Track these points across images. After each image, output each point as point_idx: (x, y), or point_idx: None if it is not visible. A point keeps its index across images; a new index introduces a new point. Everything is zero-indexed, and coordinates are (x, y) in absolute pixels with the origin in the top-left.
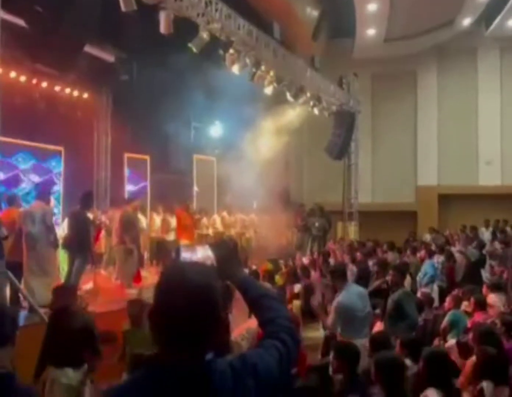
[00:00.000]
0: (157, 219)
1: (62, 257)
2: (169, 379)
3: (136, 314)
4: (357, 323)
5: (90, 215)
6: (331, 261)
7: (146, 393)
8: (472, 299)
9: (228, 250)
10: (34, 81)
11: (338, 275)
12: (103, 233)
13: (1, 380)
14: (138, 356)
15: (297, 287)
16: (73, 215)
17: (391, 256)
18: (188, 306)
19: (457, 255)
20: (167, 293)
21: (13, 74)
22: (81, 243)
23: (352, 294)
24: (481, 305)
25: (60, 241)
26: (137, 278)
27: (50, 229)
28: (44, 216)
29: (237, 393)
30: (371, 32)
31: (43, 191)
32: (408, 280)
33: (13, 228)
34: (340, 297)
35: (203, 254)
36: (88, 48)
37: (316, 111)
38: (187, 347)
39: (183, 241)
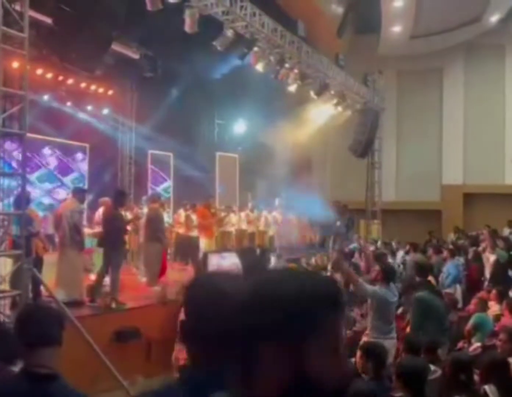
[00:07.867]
0: (183, 215)
1: (96, 255)
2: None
3: None
4: (389, 315)
5: (123, 213)
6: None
7: None
8: (504, 303)
9: (255, 257)
10: (61, 78)
11: (387, 274)
12: (129, 229)
13: (47, 380)
14: None
15: None
16: (106, 213)
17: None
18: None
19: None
20: (208, 305)
21: (39, 71)
22: (115, 239)
23: (388, 291)
24: None
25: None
26: (161, 273)
27: (76, 229)
28: (72, 215)
29: None
30: (397, 28)
31: (77, 190)
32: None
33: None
34: (377, 288)
35: (230, 261)
36: (113, 45)
37: (340, 108)
38: (226, 357)
39: (203, 239)
